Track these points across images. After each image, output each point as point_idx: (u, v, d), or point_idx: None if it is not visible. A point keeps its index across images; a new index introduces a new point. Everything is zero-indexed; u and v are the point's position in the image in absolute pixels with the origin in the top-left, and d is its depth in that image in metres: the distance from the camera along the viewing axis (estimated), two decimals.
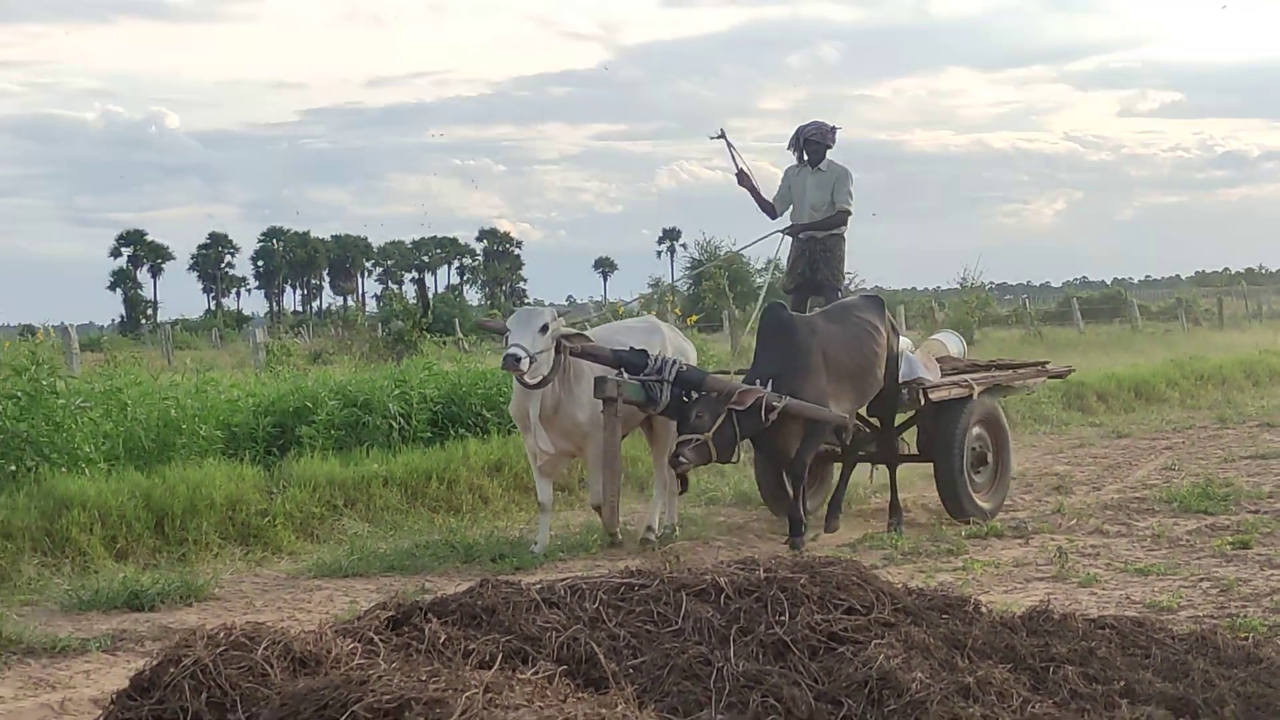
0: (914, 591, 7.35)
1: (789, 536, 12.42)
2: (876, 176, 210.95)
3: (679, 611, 6.62)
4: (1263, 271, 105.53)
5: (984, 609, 7.26)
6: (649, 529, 12.85)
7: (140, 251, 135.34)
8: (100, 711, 6.00)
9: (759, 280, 60.25)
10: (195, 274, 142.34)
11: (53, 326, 20.39)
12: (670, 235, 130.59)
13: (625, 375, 12.13)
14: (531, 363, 11.72)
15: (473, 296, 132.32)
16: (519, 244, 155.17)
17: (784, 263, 15.00)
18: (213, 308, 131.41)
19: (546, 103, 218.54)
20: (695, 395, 12.00)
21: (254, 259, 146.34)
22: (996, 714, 5.81)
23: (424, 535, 13.07)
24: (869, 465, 14.47)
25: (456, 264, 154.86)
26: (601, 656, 6.20)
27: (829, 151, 14.76)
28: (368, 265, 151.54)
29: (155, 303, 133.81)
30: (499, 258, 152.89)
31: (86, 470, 12.78)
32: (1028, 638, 6.83)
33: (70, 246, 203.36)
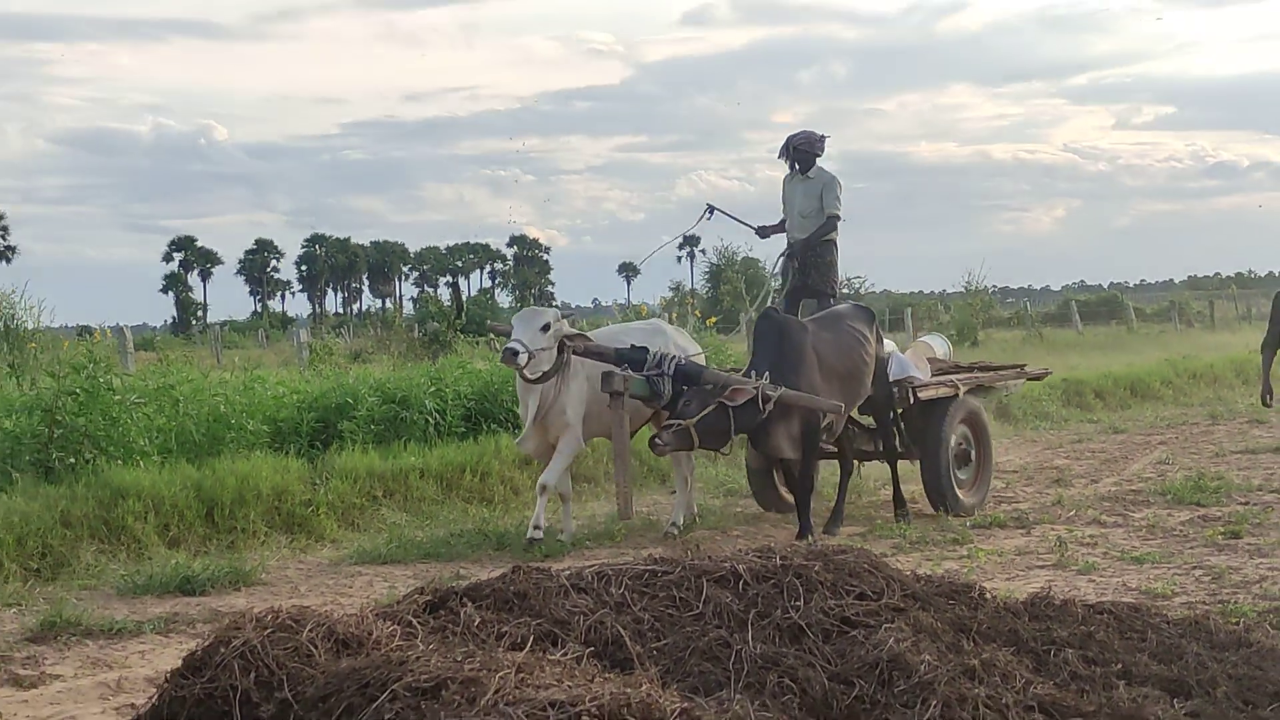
0: (922, 578, 7.33)
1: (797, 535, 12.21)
2: (884, 186, 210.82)
3: (700, 597, 6.61)
4: (1252, 276, 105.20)
5: (988, 595, 7.24)
6: (673, 524, 12.83)
7: (191, 256, 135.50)
8: (155, 690, 6.01)
9: (775, 283, 60.29)
10: (243, 278, 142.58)
11: (109, 327, 20.38)
12: (689, 241, 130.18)
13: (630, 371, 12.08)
14: (530, 358, 11.76)
15: (504, 299, 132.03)
16: (547, 250, 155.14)
17: (771, 269, 14.91)
18: (259, 310, 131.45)
19: (571, 116, 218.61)
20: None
21: (298, 263, 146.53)
22: (1000, 694, 5.80)
23: (458, 525, 13.08)
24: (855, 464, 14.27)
25: (488, 269, 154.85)
26: (627, 639, 6.19)
27: (818, 160, 14.59)
28: (405, 269, 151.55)
29: (205, 305, 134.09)
30: (528, 263, 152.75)
31: (141, 463, 12.82)
32: (1030, 622, 6.82)
33: (125, 252, 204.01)
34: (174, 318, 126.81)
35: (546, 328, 11.97)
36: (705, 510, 13.76)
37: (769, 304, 15.20)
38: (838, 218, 14.51)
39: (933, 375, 13.93)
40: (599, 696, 5.18)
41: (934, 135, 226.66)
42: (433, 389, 15.84)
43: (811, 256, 14.47)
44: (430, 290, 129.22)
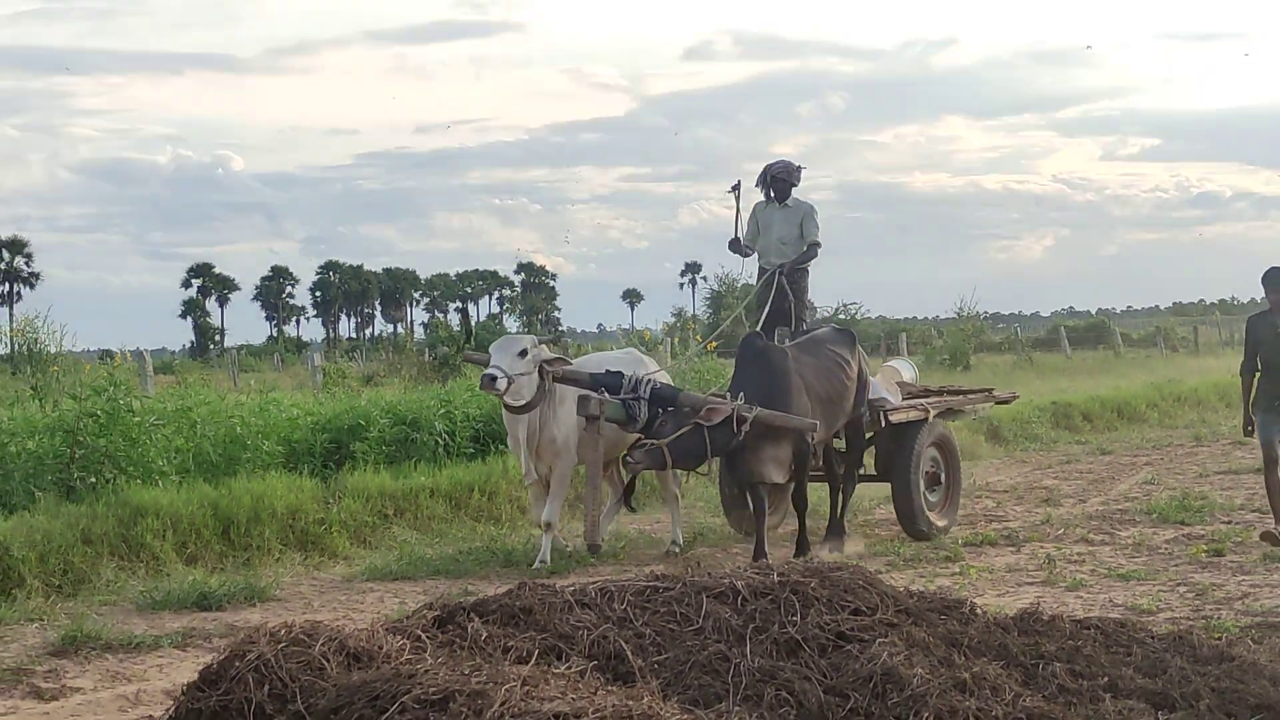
0: (915, 594, 7.33)
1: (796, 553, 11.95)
2: (880, 215, 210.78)
3: (700, 612, 6.61)
4: (1235, 303, 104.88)
5: (979, 611, 7.24)
6: (674, 543, 12.80)
7: (209, 283, 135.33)
8: (172, 702, 6.02)
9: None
10: (259, 303, 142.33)
11: (129, 351, 20.31)
12: (692, 269, 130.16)
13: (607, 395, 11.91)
14: (510, 384, 11.54)
15: (511, 325, 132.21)
16: (554, 276, 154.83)
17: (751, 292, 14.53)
18: (274, 334, 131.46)
19: (578, 147, 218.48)
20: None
21: (312, 290, 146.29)
22: (990, 707, 5.81)
23: (467, 542, 13.08)
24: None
25: (496, 295, 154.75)
26: (629, 653, 6.19)
27: (794, 190, 14.28)
28: (416, 296, 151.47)
29: (222, 330, 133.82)
30: (535, 289, 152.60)
31: (159, 482, 12.82)
32: (1019, 637, 6.82)
33: (145, 278, 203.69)
34: (192, 342, 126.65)
35: (524, 353, 11.77)
36: (705, 528, 13.76)
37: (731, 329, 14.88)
38: (819, 245, 14.27)
39: (902, 399, 13.81)
40: (602, 709, 5.19)
41: (928, 166, 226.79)
42: (442, 411, 15.84)
43: (788, 283, 14.09)
44: (440, 316, 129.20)
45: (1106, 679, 6.34)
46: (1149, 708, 6.07)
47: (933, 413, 13.63)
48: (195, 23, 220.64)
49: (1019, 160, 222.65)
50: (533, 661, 5.93)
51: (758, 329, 13.17)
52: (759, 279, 14.41)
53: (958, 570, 11.50)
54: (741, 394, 11.67)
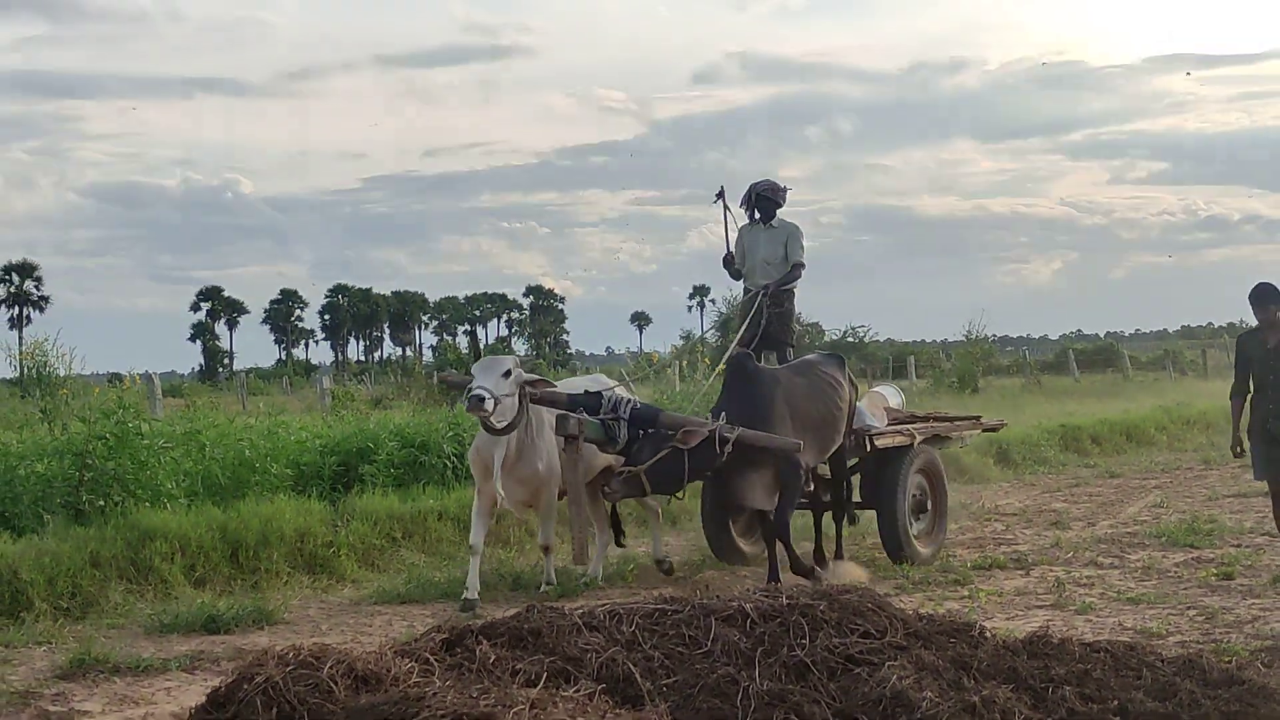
0: (924, 617, 7.32)
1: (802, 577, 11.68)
2: (888, 238, 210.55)
3: (709, 635, 6.61)
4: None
5: (988, 634, 7.23)
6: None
7: (217, 306, 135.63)
8: None
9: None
10: (267, 326, 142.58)
11: (138, 374, 20.39)
12: (700, 291, 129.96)
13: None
14: (496, 404, 11.26)
15: (520, 348, 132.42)
16: (562, 300, 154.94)
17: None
18: (283, 357, 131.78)
19: (586, 171, 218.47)
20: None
21: (321, 313, 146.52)
22: None
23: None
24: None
25: (505, 318, 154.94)
26: (638, 676, 6.19)
27: (779, 210, 14.14)
28: (424, 319, 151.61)
29: (231, 353, 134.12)
30: (544, 312, 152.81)
31: (168, 505, 12.80)
32: (1029, 660, 6.80)
33: (154, 301, 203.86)
34: (201, 365, 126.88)
35: (508, 374, 11.47)
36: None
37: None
38: (803, 266, 14.14)
39: (889, 425, 13.61)
40: None
41: (936, 189, 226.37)
42: (451, 434, 15.82)
43: (773, 306, 13.94)
44: (449, 339, 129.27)
45: (1116, 702, 6.33)
46: None
47: (919, 438, 13.47)
48: (204, 47, 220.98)
49: (1027, 183, 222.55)
50: (541, 684, 5.93)
51: (747, 350, 13.03)
52: (743, 300, 14.30)
53: (966, 594, 11.48)
54: (723, 415, 11.48)
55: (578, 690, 5.91)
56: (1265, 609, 10.45)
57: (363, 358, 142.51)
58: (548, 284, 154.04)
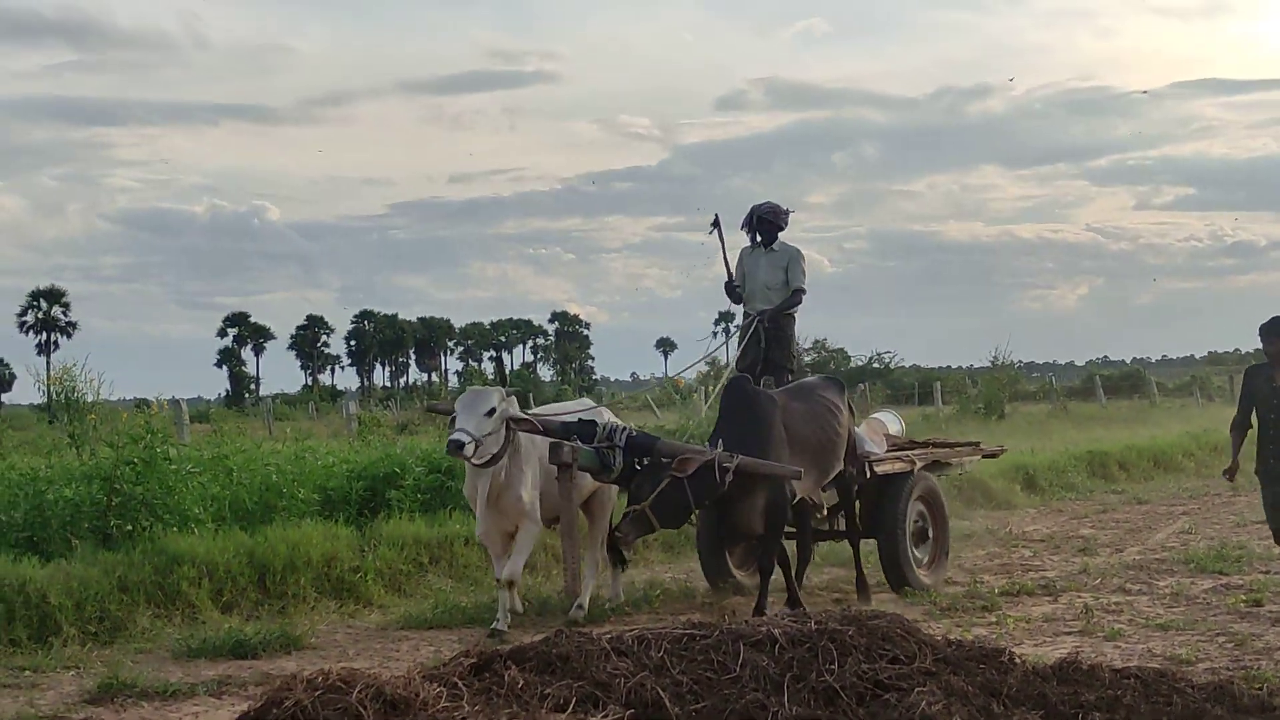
0: (953, 643, 7.30)
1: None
2: (914, 264, 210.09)
3: (737, 660, 6.60)
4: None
5: (1018, 659, 7.21)
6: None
7: (244, 332, 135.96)
8: None
9: (807, 358, 60.17)
10: (294, 352, 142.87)
11: (165, 400, 20.39)
12: (725, 317, 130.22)
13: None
14: (477, 446, 10.99)
15: (545, 373, 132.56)
16: (587, 325, 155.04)
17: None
18: (309, 383, 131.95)
19: (611, 197, 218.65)
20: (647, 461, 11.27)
21: (347, 339, 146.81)
22: None
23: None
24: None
25: (530, 344, 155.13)
26: (666, 701, 6.18)
27: (781, 233, 13.84)
28: (450, 344, 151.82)
29: (258, 378, 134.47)
30: (569, 338, 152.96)
31: (196, 530, 12.82)
32: (1058, 686, 6.78)
33: (181, 327, 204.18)
34: (228, 391, 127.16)
35: (491, 412, 11.15)
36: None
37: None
38: (803, 291, 13.78)
39: (888, 451, 13.38)
40: None
41: (962, 215, 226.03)
42: None
43: (773, 331, 13.62)
44: (475, 364, 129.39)
45: None
46: None
47: (919, 465, 13.27)
48: (231, 74, 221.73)
49: (1053, 209, 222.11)
50: (570, 709, 5.93)
51: (745, 374, 12.85)
52: (743, 325, 13.92)
53: (994, 620, 11.44)
54: (720, 442, 11.22)
55: (606, 715, 5.91)
56: None
57: (388, 383, 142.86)
58: (572, 309, 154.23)
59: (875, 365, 61.38)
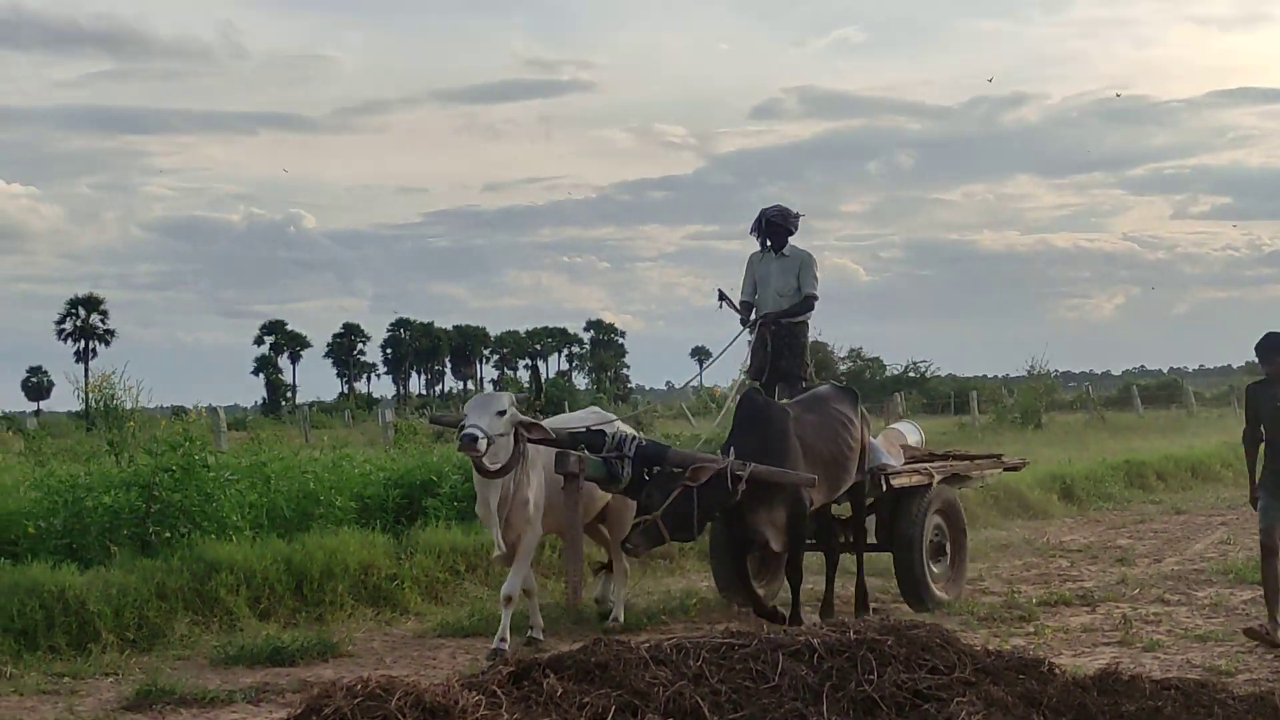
0: (992, 653, 7.27)
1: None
2: (949, 273, 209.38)
3: (776, 669, 6.59)
4: None
5: (1058, 670, 7.17)
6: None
7: (281, 340, 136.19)
8: None
9: (843, 367, 60.14)
10: (330, 360, 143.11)
11: (203, 407, 20.53)
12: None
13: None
14: (489, 444, 10.59)
15: (580, 381, 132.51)
16: (622, 334, 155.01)
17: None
18: (346, 391, 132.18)
19: (646, 205, 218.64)
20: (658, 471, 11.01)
21: (383, 347, 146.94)
22: None
23: (539, 598, 13.03)
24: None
25: (565, 352, 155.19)
26: (705, 710, 6.17)
27: (791, 237, 13.41)
28: (486, 352, 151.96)
29: (294, 386, 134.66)
30: (604, 346, 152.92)
31: (233, 537, 12.85)
32: (1099, 696, 6.75)
33: (218, 335, 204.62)
34: (264, 399, 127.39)
35: (502, 413, 10.79)
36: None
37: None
38: (816, 298, 13.39)
39: (906, 463, 13.04)
40: None
41: (998, 224, 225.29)
42: None
43: (785, 337, 13.26)
44: (510, 372, 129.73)
45: None
46: None
47: (937, 478, 12.92)
48: (266, 83, 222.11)
49: (1089, 218, 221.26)
50: (608, 718, 5.92)
51: (758, 385, 12.67)
52: (755, 335, 13.44)
53: (1032, 630, 11.40)
54: (733, 450, 11.03)
55: None
56: None
57: (424, 391, 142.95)
58: (608, 318, 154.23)
59: (911, 374, 61.38)
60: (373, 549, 13.13)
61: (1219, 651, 10.33)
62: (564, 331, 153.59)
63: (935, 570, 12.85)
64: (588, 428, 11.48)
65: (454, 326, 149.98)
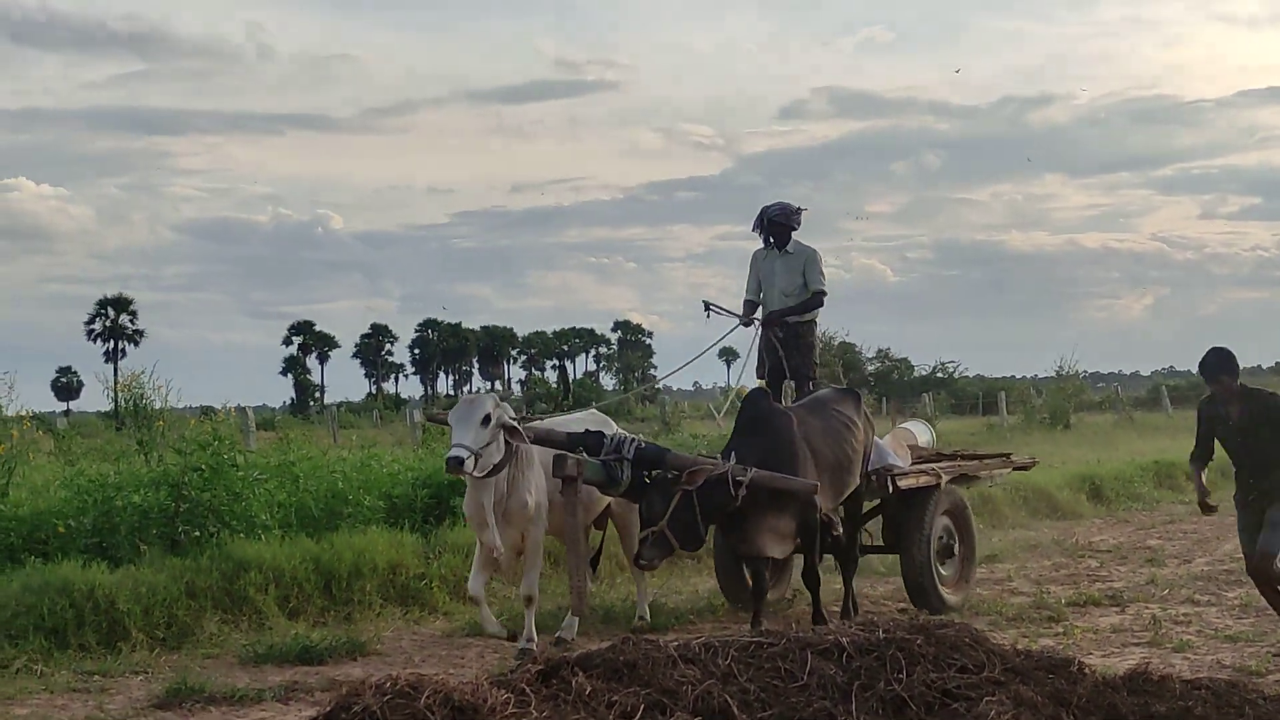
0: (1022, 653, 7.26)
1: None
2: (977, 273, 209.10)
3: (804, 668, 6.58)
4: None
5: (1087, 669, 7.15)
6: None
7: (309, 340, 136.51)
8: None
9: (871, 367, 60.06)
10: (358, 361, 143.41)
11: (232, 407, 20.54)
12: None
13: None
14: (477, 460, 10.40)
15: (608, 381, 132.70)
16: (649, 334, 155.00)
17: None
18: (374, 391, 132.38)
19: (673, 205, 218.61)
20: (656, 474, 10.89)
21: (411, 347, 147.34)
22: None
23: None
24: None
25: (593, 352, 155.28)
26: (734, 709, 6.17)
27: (794, 234, 13.35)
28: (513, 353, 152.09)
29: (322, 386, 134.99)
30: (632, 347, 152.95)
31: (262, 536, 12.88)
32: (1129, 697, 6.73)
33: (246, 336, 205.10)
34: (293, 399, 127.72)
35: (487, 420, 10.54)
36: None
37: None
38: (824, 293, 13.29)
39: (913, 463, 12.89)
40: None
41: (1025, 224, 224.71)
42: None
43: (793, 337, 13.19)
44: (538, 373, 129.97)
45: None
46: None
47: (945, 479, 12.71)
48: (294, 84, 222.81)
49: (1117, 219, 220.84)
50: (637, 717, 5.92)
51: (763, 387, 12.56)
52: (761, 334, 13.40)
53: (1061, 630, 11.38)
54: (733, 455, 10.92)
55: None
56: None
57: (452, 392, 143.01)
58: (635, 318, 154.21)
59: (939, 375, 61.28)
60: (401, 548, 13.16)
61: (1249, 652, 10.30)
62: (591, 332, 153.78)
63: (943, 572, 12.70)
64: (586, 429, 11.34)
65: (481, 327, 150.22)
